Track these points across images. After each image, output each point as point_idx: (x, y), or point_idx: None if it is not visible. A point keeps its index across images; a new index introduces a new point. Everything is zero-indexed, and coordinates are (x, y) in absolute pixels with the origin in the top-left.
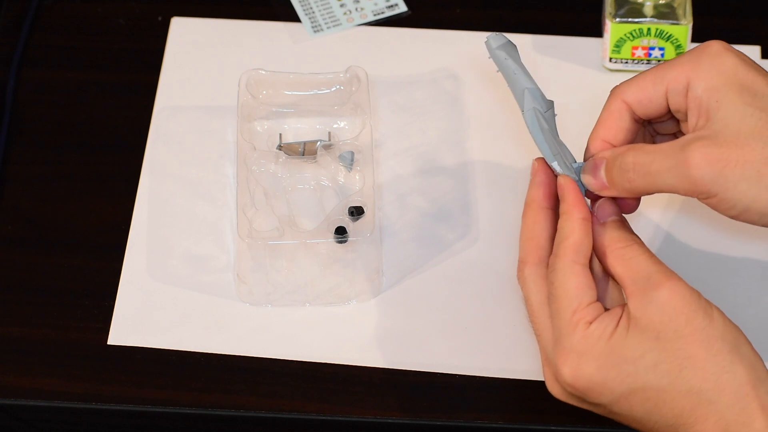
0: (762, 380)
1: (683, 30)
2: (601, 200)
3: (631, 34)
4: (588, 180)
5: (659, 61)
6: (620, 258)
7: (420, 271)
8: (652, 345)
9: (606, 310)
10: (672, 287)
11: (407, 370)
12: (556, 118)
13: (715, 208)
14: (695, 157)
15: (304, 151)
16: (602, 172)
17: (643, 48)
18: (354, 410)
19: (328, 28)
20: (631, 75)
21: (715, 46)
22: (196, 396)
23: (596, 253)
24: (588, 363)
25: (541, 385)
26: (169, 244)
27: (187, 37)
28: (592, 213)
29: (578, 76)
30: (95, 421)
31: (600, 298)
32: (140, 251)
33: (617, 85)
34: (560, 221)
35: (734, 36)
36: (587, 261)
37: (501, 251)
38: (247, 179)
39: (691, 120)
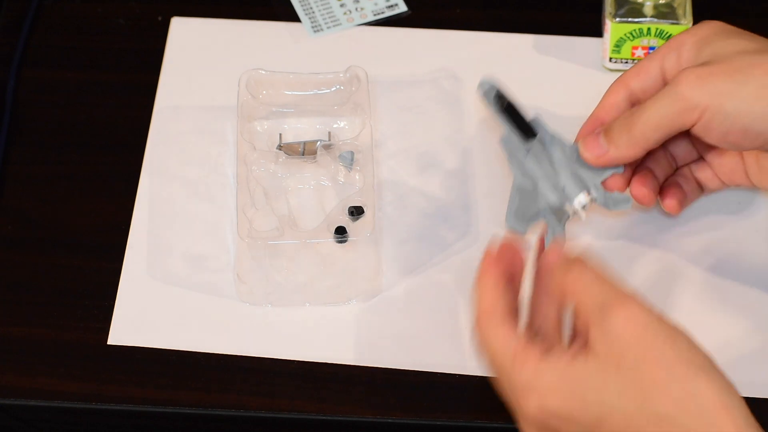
0: (736, 406)
1: (683, 30)
2: (545, 251)
3: (631, 33)
4: (587, 145)
5: None
6: (574, 293)
7: (420, 271)
8: (613, 374)
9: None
10: (627, 313)
11: (407, 370)
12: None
13: (709, 130)
14: (684, 76)
15: (304, 151)
16: (601, 138)
17: (643, 48)
18: (354, 410)
19: (328, 28)
20: None
21: (704, 22)
22: (196, 396)
23: (557, 297)
24: (551, 397)
25: None
26: (169, 244)
27: (187, 37)
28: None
29: (578, 76)
30: (95, 421)
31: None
32: (140, 251)
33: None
34: (474, 287)
35: None
36: (505, 317)
37: None
38: (247, 179)
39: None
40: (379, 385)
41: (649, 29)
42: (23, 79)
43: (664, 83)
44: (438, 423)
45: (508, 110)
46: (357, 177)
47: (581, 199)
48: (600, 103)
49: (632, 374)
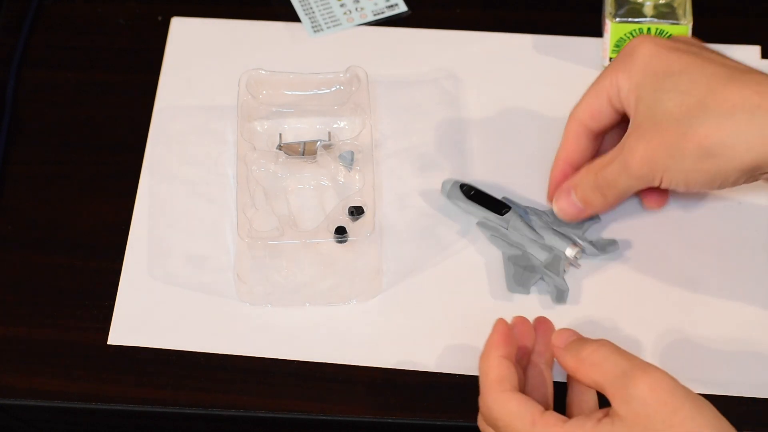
0: None
1: (683, 30)
2: (556, 331)
3: (631, 34)
4: (563, 207)
5: None
6: (591, 366)
7: (420, 271)
8: None
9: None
10: (650, 380)
11: (407, 370)
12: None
13: (673, 187)
14: (631, 158)
15: (304, 151)
16: (574, 197)
17: None
18: (354, 410)
19: (328, 28)
20: None
21: (635, 41)
22: (196, 396)
23: (570, 373)
24: None
25: None
26: (169, 244)
27: (187, 37)
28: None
29: (578, 76)
30: (95, 421)
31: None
32: (140, 251)
33: (573, 108)
34: (480, 360)
35: (734, 36)
36: (515, 388)
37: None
38: (247, 179)
39: (630, 118)
40: (379, 385)
41: (649, 29)
42: (23, 79)
43: (618, 114)
44: (438, 423)
45: (477, 195)
46: (357, 177)
47: (570, 252)
48: (562, 146)
49: None
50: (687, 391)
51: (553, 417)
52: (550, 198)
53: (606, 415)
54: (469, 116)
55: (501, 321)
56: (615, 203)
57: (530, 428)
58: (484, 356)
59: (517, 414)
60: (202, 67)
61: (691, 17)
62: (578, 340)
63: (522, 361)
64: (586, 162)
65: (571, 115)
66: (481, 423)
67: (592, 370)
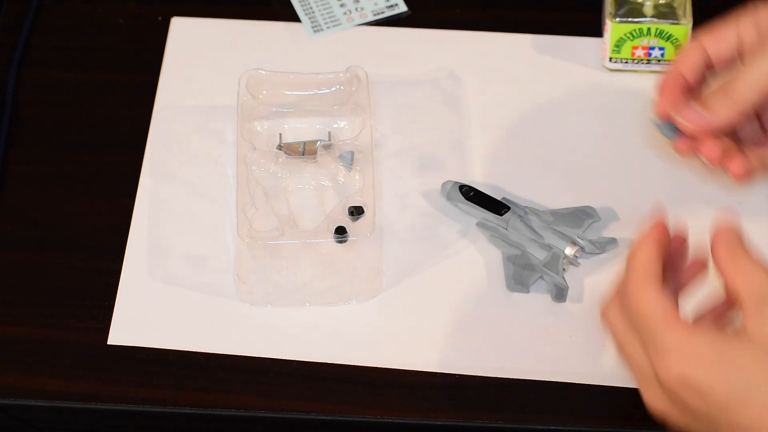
0: None
1: (683, 30)
2: (723, 223)
3: (631, 33)
4: (692, 122)
5: (659, 61)
6: (741, 273)
7: (420, 271)
8: (766, 362)
9: None
10: None
11: (407, 370)
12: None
13: None
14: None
15: (304, 151)
16: (698, 107)
17: (643, 48)
18: (354, 410)
19: (328, 28)
20: (631, 75)
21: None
22: (196, 396)
23: (717, 265)
24: (696, 365)
25: (540, 384)
26: (169, 244)
27: (187, 37)
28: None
29: (578, 76)
30: (95, 421)
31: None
32: (140, 251)
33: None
34: (629, 250)
35: None
36: (659, 282)
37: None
38: (247, 179)
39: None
40: (379, 385)
41: (649, 29)
42: (23, 79)
43: (739, 55)
44: (438, 423)
45: (476, 196)
46: (357, 177)
47: (569, 251)
48: (679, 59)
49: None
50: None
51: (686, 320)
52: (659, 109)
53: (737, 333)
54: (469, 116)
55: (661, 222)
56: (739, 104)
57: (663, 322)
58: (638, 242)
59: (652, 305)
60: (202, 67)
61: (691, 17)
62: (742, 244)
63: (671, 269)
64: (695, 82)
65: (694, 39)
66: (608, 313)
67: (738, 277)
